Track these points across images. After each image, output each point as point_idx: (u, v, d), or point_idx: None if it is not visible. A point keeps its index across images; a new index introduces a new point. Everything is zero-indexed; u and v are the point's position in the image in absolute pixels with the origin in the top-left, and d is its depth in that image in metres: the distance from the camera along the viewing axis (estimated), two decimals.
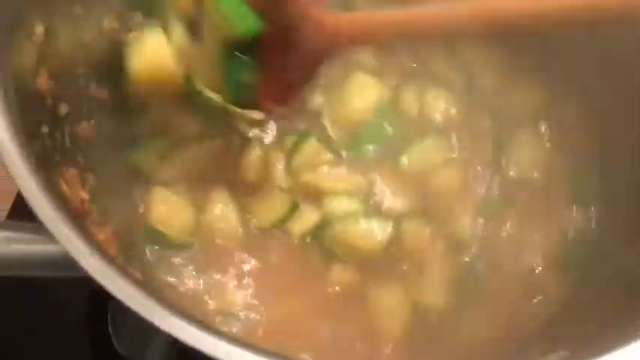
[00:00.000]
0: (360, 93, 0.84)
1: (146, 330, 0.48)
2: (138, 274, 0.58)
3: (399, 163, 0.81)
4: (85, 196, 0.61)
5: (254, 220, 0.78)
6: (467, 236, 0.79)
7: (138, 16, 0.76)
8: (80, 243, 0.49)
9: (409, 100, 0.86)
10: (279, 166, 0.81)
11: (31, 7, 0.61)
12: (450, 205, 0.81)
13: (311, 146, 0.80)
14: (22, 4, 0.59)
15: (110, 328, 0.84)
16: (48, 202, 0.50)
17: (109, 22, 0.73)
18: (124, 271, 0.50)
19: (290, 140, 0.81)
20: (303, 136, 0.81)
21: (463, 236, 0.79)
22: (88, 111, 0.71)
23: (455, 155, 0.84)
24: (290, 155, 0.80)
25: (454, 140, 0.85)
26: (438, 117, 0.85)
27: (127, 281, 0.48)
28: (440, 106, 0.85)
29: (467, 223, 0.80)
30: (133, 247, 0.71)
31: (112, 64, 0.73)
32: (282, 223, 0.78)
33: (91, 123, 0.71)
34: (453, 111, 0.86)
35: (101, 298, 0.83)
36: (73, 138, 0.66)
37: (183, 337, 0.47)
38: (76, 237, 0.49)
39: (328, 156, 0.81)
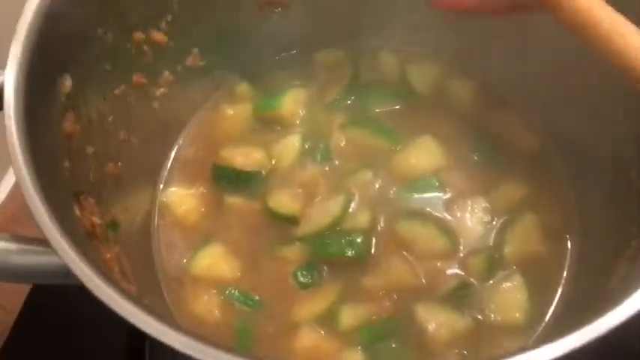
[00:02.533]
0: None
1: None
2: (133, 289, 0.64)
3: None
4: (97, 220, 0.68)
5: None
6: None
7: (166, 74, 0.85)
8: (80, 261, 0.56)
9: None
10: None
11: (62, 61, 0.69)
12: None
13: None
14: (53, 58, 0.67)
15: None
16: (53, 223, 0.58)
17: (137, 78, 0.81)
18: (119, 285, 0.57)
19: None
20: None
21: None
22: (115, 153, 0.78)
23: None
24: None
25: None
26: None
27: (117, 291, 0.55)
28: None
29: None
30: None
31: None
32: None
33: (118, 164, 0.78)
34: None
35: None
36: (97, 174, 0.74)
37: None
38: (75, 254, 0.56)
39: None
